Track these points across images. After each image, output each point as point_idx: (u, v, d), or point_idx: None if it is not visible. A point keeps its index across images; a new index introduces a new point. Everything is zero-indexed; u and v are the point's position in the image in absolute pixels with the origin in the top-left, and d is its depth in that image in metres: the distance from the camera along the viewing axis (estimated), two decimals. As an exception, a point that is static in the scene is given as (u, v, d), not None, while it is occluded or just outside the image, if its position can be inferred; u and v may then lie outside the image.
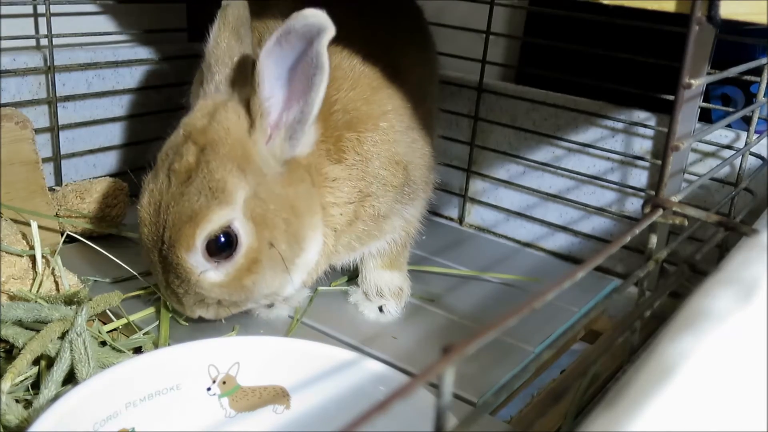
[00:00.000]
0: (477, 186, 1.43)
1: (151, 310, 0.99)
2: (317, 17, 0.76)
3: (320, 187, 0.91)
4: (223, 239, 0.83)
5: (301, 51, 0.79)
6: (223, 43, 0.91)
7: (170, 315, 0.98)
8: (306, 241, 0.89)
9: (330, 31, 0.76)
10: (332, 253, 0.96)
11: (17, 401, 0.77)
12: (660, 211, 0.70)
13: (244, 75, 0.90)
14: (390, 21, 1.05)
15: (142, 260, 0.92)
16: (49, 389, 0.77)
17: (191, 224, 0.82)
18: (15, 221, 1.05)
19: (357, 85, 0.93)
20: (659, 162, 0.98)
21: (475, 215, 1.45)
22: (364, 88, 0.93)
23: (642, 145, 1.23)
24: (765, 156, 1.13)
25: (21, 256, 0.97)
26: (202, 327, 0.97)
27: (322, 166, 0.91)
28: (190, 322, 0.97)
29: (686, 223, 0.71)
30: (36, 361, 0.84)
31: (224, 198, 0.82)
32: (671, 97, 0.73)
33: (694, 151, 1.19)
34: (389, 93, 0.96)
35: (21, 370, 0.80)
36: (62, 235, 1.14)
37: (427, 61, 1.12)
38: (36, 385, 0.82)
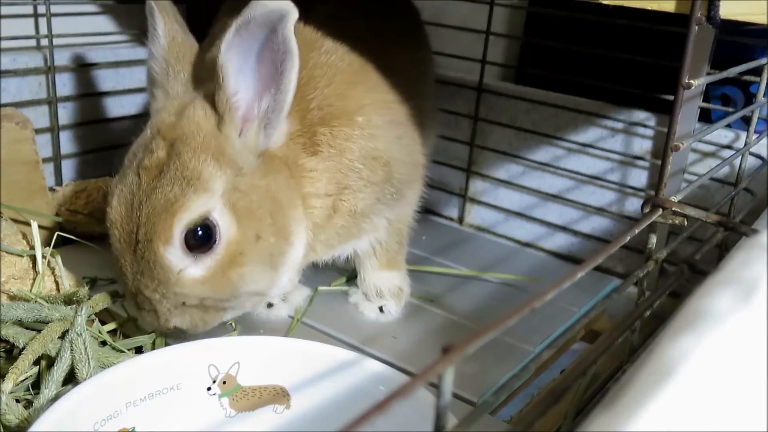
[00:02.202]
0: (477, 186, 1.43)
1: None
2: (279, 3, 0.74)
3: (299, 178, 0.90)
4: (201, 231, 0.79)
5: (265, 39, 0.77)
6: (179, 37, 0.90)
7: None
8: (292, 235, 0.87)
9: (293, 14, 0.74)
10: (310, 250, 0.94)
11: (17, 401, 0.77)
12: (660, 211, 0.71)
13: (206, 70, 0.88)
14: (377, 19, 1.04)
15: (111, 268, 0.86)
16: (49, 389, 0.77)
17: (167, 214, 0.78)
18: (15, 221, 1.05)
19: (332, 82, 0.91)
20: (659, 162, 0.98)
21: (475, 215, 1.45)
22: (339, 84, 0.92)
23: (642, 145, 1.23)
24: (765, 156, 1.13)
25: (21, 256, 0.97)
26: (202, 327, 0.96)
27: (298, 158, 0.90)
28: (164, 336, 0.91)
29: (686, 223, 0.71)
30: (36, 361, 0.84)
31: (200, 185, 0.78)
32: (671, 97, 0.73)
33: (694, 151, 1.19)
34: (368, 87, 0.94)
35: (23, 370, 0.80)
36: (62, 235, 1.14)
37: (418, 60, 1.11)
38: (36, 385, 0.82)
